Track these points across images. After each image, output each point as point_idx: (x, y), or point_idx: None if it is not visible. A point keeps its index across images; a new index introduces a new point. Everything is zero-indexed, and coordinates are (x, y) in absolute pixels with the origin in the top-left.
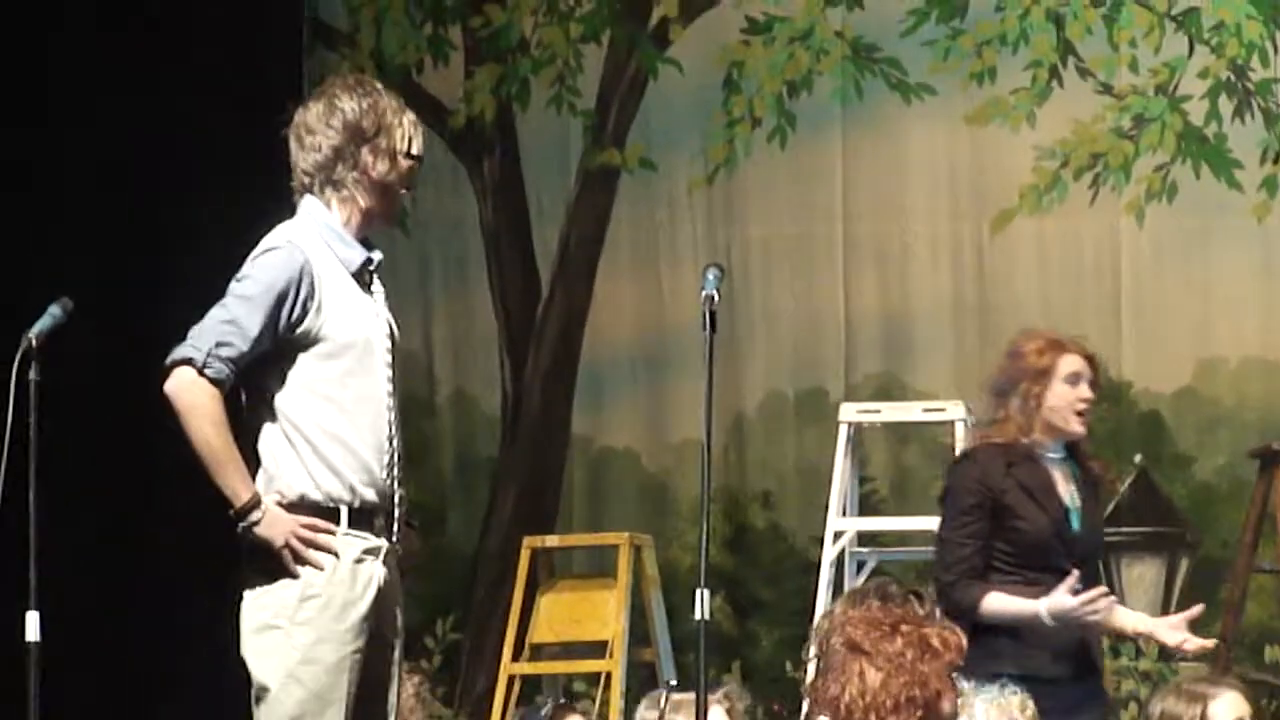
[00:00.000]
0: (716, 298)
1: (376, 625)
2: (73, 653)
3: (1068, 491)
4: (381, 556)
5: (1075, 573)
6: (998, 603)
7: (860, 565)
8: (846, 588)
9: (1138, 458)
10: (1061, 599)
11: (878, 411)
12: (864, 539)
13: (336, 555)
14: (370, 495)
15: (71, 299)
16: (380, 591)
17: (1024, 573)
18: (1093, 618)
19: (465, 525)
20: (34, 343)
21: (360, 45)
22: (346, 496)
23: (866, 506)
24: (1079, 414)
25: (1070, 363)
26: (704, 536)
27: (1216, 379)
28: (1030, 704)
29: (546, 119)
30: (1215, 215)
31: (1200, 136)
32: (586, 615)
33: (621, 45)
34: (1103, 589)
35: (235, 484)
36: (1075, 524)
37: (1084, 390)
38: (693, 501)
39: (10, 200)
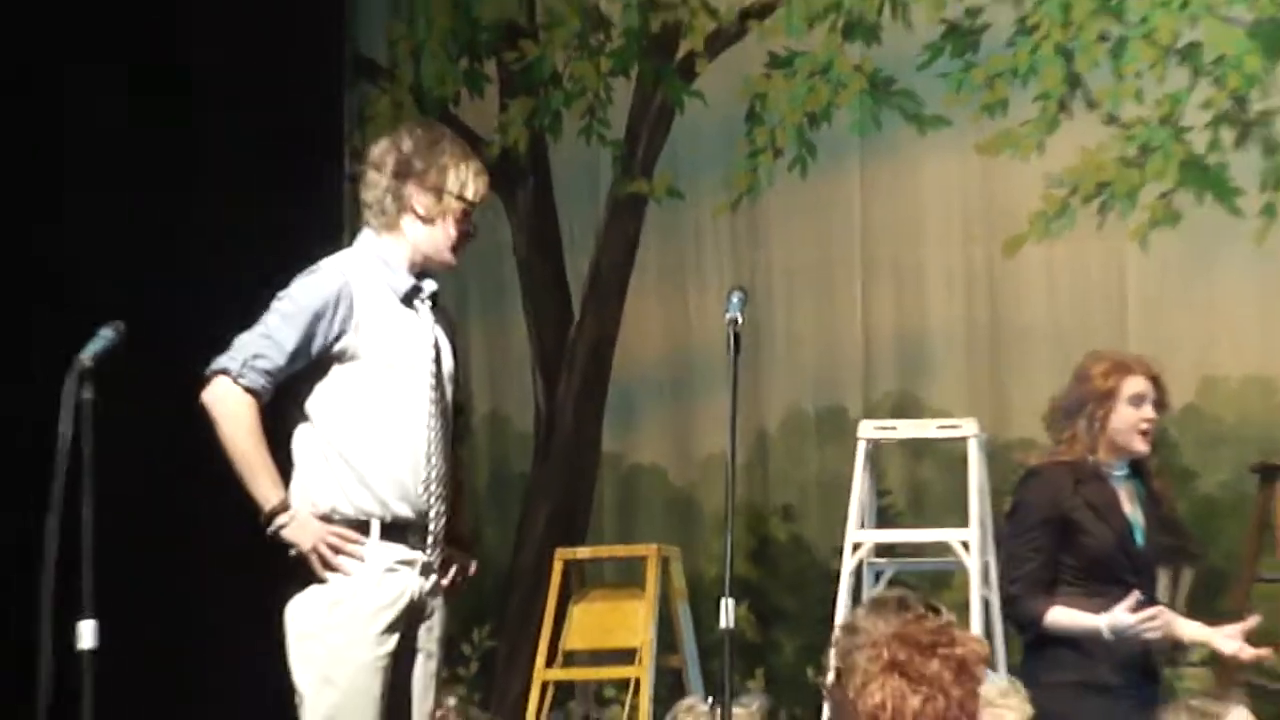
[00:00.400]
0: (740, 320)
1: (409, 633)
2: (126, 660)
3: (1132, 508)
4: (418, 569)
5: (1135, 592)
6: (1062, 616)
7: (878, 575)
8: (864, 597)
9: None
10: (1121, 616)
11: (894, 429)
12: (881, 550)
13: (364, 560)
14: (404, 510)
15: (124, 322)
16: (412, 602)
17: (1089, 585)
18: (1151, 634)
19: (500, 539)
20: (86, 364)
21: (399, 79)
22: (378, 510)
23: (884, 519)
24: (1142, 434)
25: (1134, 384)
26: (728, 548)
27: (1218, 397)
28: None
29: (577, 149)
30: (1217, 240)
31: (1202, 165)
32: (616, 624)
33: (649, 79)
34: (1161, 607)
35: (265, 489)
36: (1139, 539)
37: (1148, 411)
38: (718, 515)
39: (60, 229)
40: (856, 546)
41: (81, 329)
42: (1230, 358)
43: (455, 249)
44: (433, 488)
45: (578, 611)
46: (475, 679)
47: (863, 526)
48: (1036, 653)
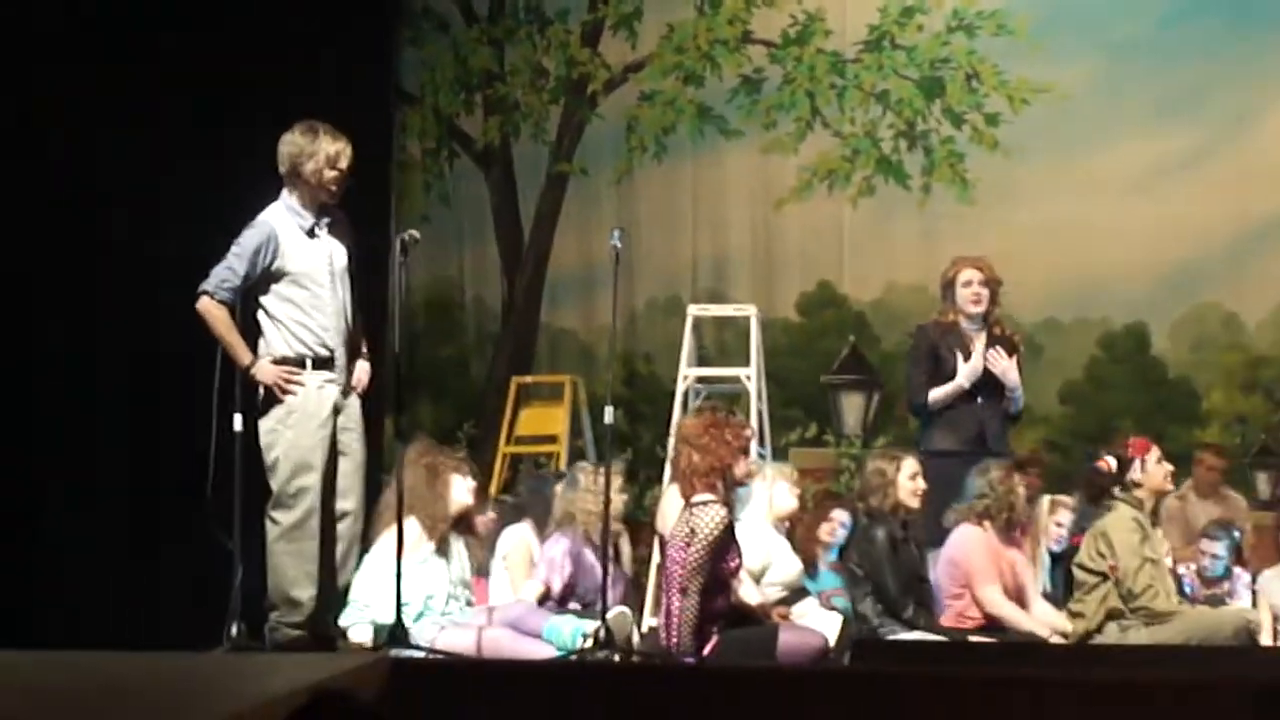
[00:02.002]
0: (620, 246)
1: (335, 422)
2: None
3: (977, 346)
4: (338, 386)
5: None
6: (936, 393)
7: (698, 394)
8: (690, 408)
9: (851, 338)
10: (962, 370)
11: (709, 309)
12: (700, 380)
13: (304, 384)
14: (324, 352)
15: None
16: (335, 404)
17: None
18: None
19: (480, 370)
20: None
21: (425, 103)
22: (309, 352)
23: (701, 361)
24: (974, 302)
25: (966, 274)
26: (611, 378)
27: (896, 294)
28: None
29: (529, 146)
30: (895, 206)
31: (889, 161)
32: (546, 420)
33: (572, 106)
34: (975, 365)
35: (241, 355)
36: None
37: (975, 288)
38: (606, 358)
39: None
40: (686, 378)
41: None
42: (904, 275)
43: (334, 193)
44: (338, 336)
45: (524, 413)
46: (467, 450)
47: (689, 366)
48: (921, 431)
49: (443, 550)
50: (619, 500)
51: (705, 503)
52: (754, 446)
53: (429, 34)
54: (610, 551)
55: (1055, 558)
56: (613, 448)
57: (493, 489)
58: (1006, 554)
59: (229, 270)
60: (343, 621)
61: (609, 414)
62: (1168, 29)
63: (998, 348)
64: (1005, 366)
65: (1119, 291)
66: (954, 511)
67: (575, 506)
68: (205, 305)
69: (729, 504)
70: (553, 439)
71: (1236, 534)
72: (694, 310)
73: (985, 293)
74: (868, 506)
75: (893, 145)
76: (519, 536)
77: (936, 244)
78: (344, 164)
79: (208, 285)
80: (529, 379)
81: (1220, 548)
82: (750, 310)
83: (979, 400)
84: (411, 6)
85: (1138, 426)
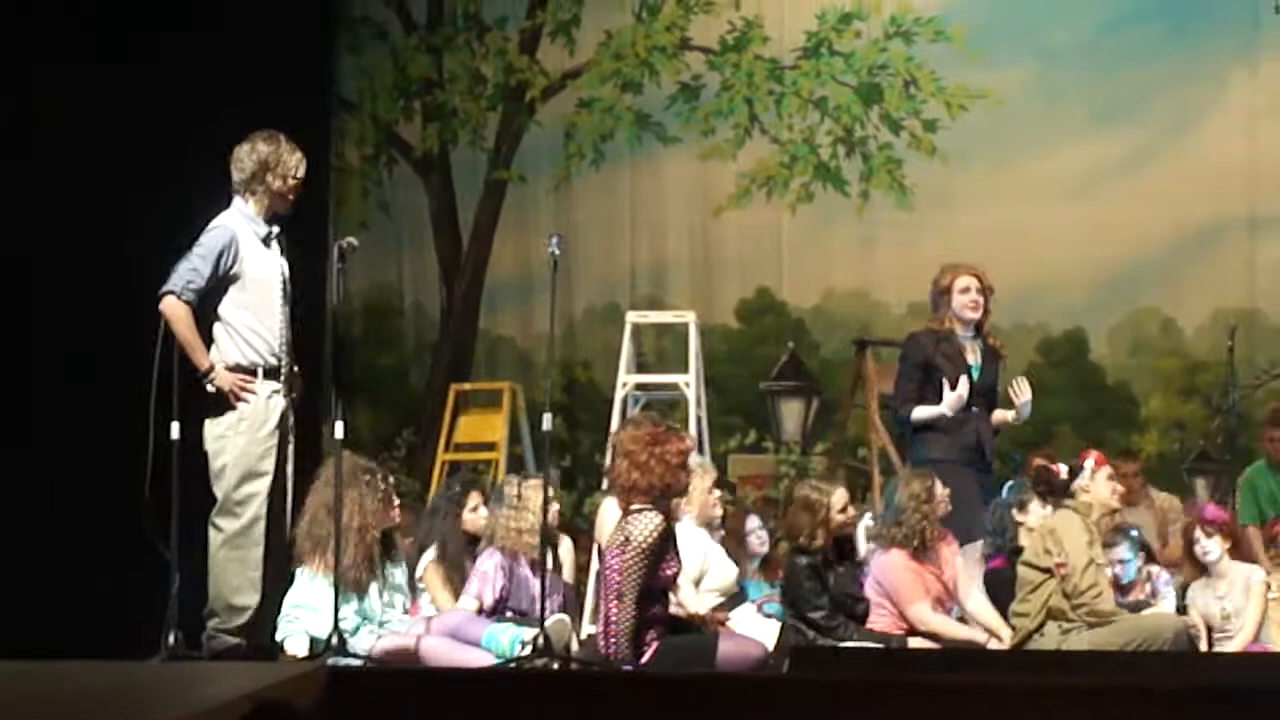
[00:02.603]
0: (557, 252)
1: (281, 430)
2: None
3: (973, 357)
4: (283, 394)
5: (957, 386)
6: (920, 411)
7: (637, 401)
8: (629, 415)
9: (790, 344)
10: (948, 399)
11: (648, 316)
12: (638, 387)
13: (256, 393)
14: (274, 361)
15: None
16: (283, 413)
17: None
18: (956, 407)
19: (419, 377)
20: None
21: (363, 110)
22: (260, 361)
23: (640, 368)
24: (971, 308)
25: (963, 281)
26: (549, 385)
27: (835, 300)
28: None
29: (467, 154)
30: (834, 211)
31: (827, 168)
32: (484, 428)
33: (510, 113)
34: (961, 392)
35: (200, 358)
36: (975, 376)
37: (973, 295)
38: (545, 365)
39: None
40: (624, 385)
41: None
42: (842, 281)
43: (290, 203)
44: (285, 347)
45: (463, 420)
46: (403, 460)
47: (628, 372)
48: (912, 441)
49: (373, 562)
50: (537, 511)
51: (641, 510)
52: (694, 455)
53: (367, 41)
54: (550, 560)
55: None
56: (551, 455)
57: (431, 496)
58: (929, 565)
59: (193, 271)
60: (279, 635)
61: (547, 421)
62: (1105, 35)
63: (1022, 380)
64: (1026, 400)
65: (1057, 297)
66: (874, 529)
67: (498, 523)
68: (170, 305)
69: (666, 511)
70: (491, 446)
71: (1134, 533)
72: (633, 317)
73: (982, 300)
74: (794, 541)
75: (831, 152)
76: (428, 557)
77: (875, 250)
78: (301, 174)
79: (172, 285)
80: (467, 386)
81: (1123, 551)
82: (689, 317)
83: (974, 410)
84: (350, 14)
85: (1076, 432)
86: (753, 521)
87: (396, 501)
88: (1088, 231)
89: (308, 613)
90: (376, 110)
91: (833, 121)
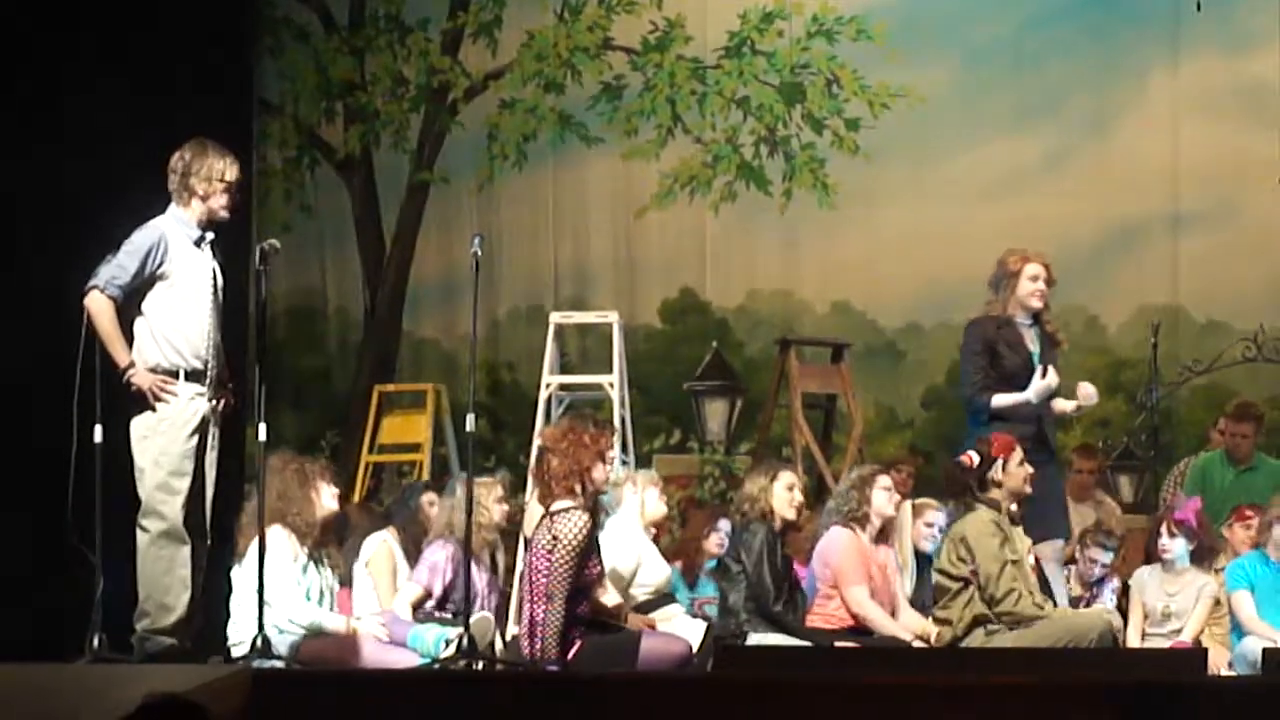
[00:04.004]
0: (480, 253)
1: (203, 435)
2: None
3: (1033, 345)
4: (207, 397)
5: (1040, 370)
6: (1002, 399)
7: (561, 402)
8: (553, 416)
9: (714, 344)
10: (1035, 385)
11: (571, 317)
12: (562, 387)
13: (176, 395)
14: (196, 364)
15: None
16: (203, 417)
17: (1007, 389)
18: (1045, 393)
19: (343, 379)
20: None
21: (285, 112)
22: (182, 364)
23: (564, 369)
24: (1038, 297)
25: (1030, 269)
26: (473, 387)
27: (759, 300)
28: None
29: (390, 155)
30: (757, 211)
31: (750, 167)
32: (409, 429)
33: (432, 114)
34: (1048, 381)
35: (120, 355)
36: (1035, 363)
37: (1041, 284)
38: (469, 367)
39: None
40: (548, 386)
41: None
42: (766, 280)
43: (226, 209)
44: (211, 351)
45: (386, 421)
46: (329, 459)
47: (552, 373)
48: (972, 431)
49: (315, 557)
50: (497, 511)
51: (566, 509)
52: (617, 454)
53: (288, 43)
54: (487, 560)
55: (929, 559)
56: (475, 456)
57: (356, 497)
58: (877, 557)
59: (119, 268)
60: (232, 637)
61: (470, 422)
62: (1027, 33)
63: (1089, 386)
64: (1090, 392)
65: (980, 295)
66: (827, 514)
67: (454, 517)
68: (94, 300)
69: (591, 510)
70: (415, 447)
71: (1118, 546)
72: (556, 318)
73: (1046, 291)
74: (744, 515)
75: (754, 151)
76: (380, 542)
77: (798, 249)
78: (231, 177)
79: (97, 280)
80: (391, 387)
81: (1108, 557)
82: (612, 317)
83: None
84: (271, 15)
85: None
86: (724, 524)
87: (334, 490)
88: (1010, 229)
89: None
90: (298, 112)
91: (755, 121)
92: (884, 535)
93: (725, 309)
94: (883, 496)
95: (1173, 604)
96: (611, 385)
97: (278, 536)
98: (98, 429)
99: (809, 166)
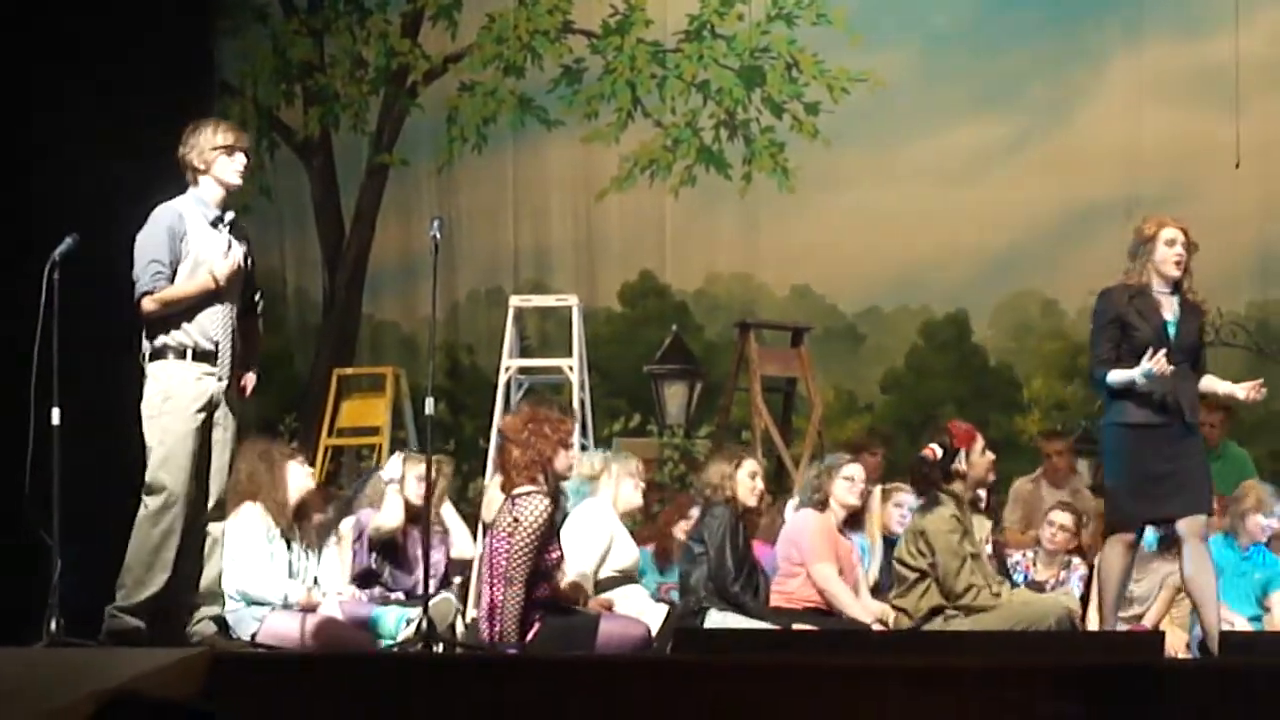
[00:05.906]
0: (439, 236)
1: (209, 416)
2: None
3: (1170, 313)
4: (217, 377)
5: (1152, 351)
6: (1115, 375)
7: (520, 385)
8: (513, 399)
9: (673, 327)
10: (1144, 365)
11: (531, 300)
12: (522, 371)
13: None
14: (206, 345)
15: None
16: (211, 398)
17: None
18: (1162, 373)
19: (303, 362)
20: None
21: (244, 94)
22: (190, 344)
23: (524, 352)
24: (1175, 264)
25: (1168, 233)
26: (432, 369)
27: (718, 283)
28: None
29: (349, 137)
30: (717, 195)
31: (710, 151)
32: (368, 412)
33: (392, 96)
34: (1161, 354)
35: (205, 284)
36: (1172, 333)
37: (1179, 250)
38: (428, 350)
39: None
40: (508, 369)
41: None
42: (725, 264)
43: (235, 174)
44: (224, 331)
45: (345, 405)
46: (288, 443)
47: (511, 356)
48: (1109, 404)
49: (289, 535)
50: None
51: (528, 493)
52: (576, 437)
53: (247, 25)
54: (434, 540)
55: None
56: (434, 439)
57: (314, 481)
58: (844, 541)
59: (155, 261)
60: (229, 616)
61: (430, 405)
62: (987, 17)
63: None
64: (1229, 389)
65: (939, 279)
66: (796, 499)
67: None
68: (148, 303)
69: (553, 496)
70: (375, 430)
71: (1084, 517)
72: (516, 301)
73: (1185, 256)
74: (707, 500)
75: (714, 135)
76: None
77: (758, 233)
78: (223, 141)
79: (145, 286)
80: (350, 371)
81: (1067, 518)
82: (572, 300)
83: (1173, 369)
84: None
85: (959, 414)
86: (695, 513)
87: (308, 470)
88: (969, 213)
89: (253, 587)
90: (258, 94)
91: (715, 104)
92: (849, 524)
93: (685, 292)
94: (844, 486)
95: (1136, 589)
96: (571, 368)
97: (250, 513)
98: (55, 412)
99: (769, 150)
